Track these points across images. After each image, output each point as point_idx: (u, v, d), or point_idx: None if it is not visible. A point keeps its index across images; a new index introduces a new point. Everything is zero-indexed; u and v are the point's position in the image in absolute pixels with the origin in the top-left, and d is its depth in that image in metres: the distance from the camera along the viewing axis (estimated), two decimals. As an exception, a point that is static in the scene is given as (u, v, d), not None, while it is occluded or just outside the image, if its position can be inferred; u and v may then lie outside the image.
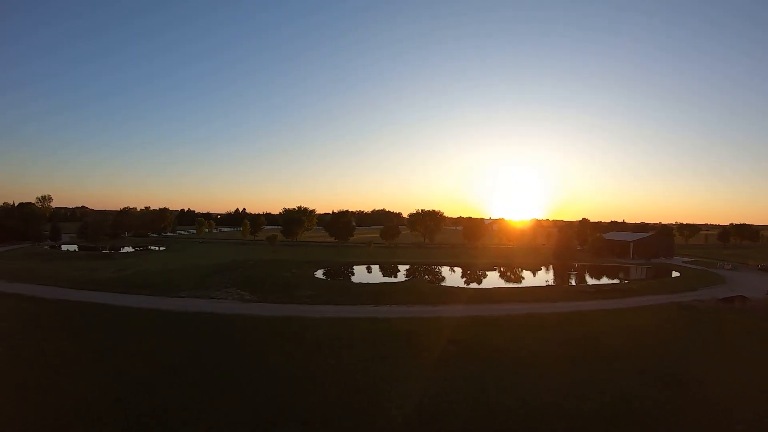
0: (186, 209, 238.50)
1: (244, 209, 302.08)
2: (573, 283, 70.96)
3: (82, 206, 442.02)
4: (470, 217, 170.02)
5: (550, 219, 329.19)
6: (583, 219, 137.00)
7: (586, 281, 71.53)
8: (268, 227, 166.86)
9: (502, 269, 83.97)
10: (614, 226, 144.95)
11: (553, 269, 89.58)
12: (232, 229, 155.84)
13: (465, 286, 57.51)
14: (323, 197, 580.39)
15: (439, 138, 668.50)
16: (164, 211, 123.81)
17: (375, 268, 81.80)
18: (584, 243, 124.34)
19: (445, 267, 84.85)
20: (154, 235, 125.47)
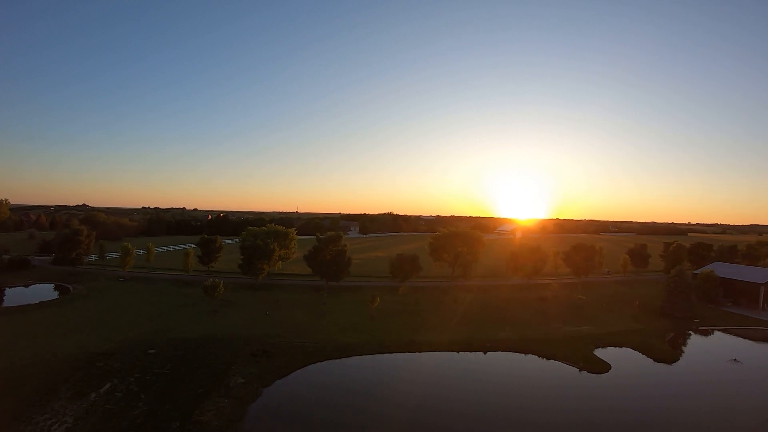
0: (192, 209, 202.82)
1: (227, 216, 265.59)
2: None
3: (83, 204, 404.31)
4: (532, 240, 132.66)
5: (561, 218, 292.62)
6: (676, 243, 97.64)
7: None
8: (229, 241, 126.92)
9: (616, 360, 45.42)
10: (701, 248, 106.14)
11: (680, 343, 52.61)
12: (188, 246, 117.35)
13: None
14: (329, 195, 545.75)
15: (450, 138, 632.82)
16: (79, 230, 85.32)
17: (378, 372, 42.18)
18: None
19: (509, 357, 46.36)
20: (69, 266, 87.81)
